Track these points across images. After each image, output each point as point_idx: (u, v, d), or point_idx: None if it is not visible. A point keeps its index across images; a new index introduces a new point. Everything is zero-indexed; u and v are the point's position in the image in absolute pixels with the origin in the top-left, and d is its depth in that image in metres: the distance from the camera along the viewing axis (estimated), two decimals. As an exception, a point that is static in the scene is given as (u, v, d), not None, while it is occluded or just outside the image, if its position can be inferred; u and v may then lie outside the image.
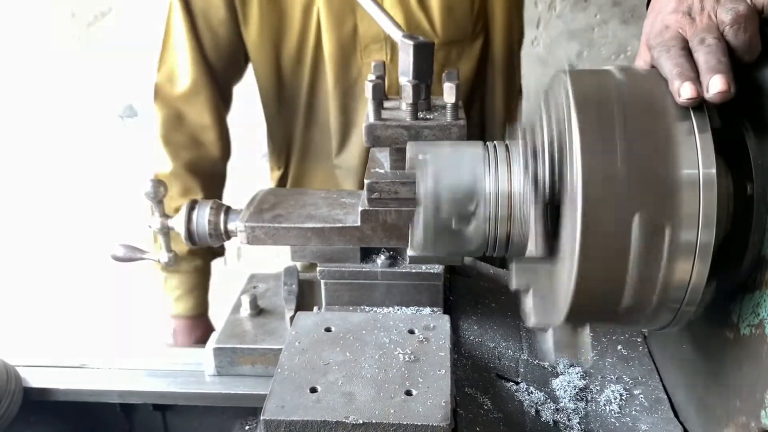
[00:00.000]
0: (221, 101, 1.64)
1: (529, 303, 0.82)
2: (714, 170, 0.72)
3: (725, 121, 0.85)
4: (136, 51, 2.46)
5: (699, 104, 0.75)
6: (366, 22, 1.47)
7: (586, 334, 0.79)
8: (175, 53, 1.56)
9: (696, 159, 0.73)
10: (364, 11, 1.39)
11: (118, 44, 2.47)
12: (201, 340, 1.67)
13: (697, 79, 0.75)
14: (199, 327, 1.73)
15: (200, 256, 1.69)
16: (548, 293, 0.82)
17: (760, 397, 0.77)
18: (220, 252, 1.75)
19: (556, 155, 0.87)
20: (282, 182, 1.78)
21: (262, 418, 0.78)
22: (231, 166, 2.02)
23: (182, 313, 1.69)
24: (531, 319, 0.80)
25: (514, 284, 0.82)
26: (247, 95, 1.71)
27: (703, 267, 0.74)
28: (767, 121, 0.77)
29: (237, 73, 1.68)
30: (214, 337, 1.18)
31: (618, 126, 0.74)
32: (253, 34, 1.54)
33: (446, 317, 0.99)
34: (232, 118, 1.64)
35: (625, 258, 0.72)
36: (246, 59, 1.64)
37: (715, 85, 0.74)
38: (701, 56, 0.77)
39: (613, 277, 0.74)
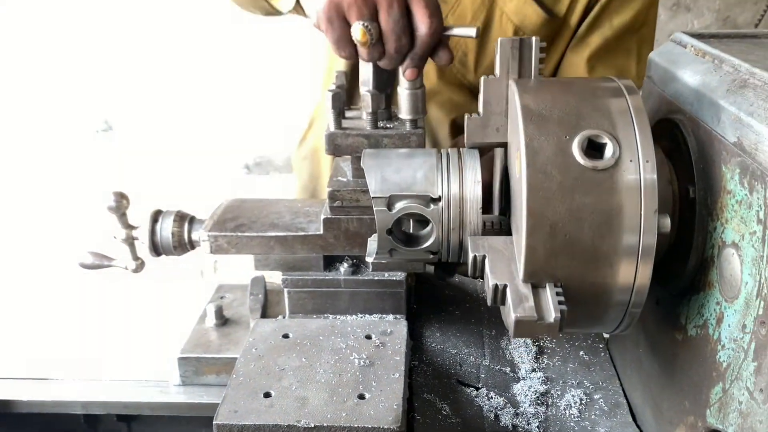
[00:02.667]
0: None
1: (487, 268, 0.81)
2: (655, 175, 0.74)
3: (668, 127, 0.88)
4: (113, 65, 2.47)
5: (640, 111, 0.77)
6: None
7: (549, 292, 0.76)
8: None
9: (638, 164, 0.74)
10: None
11: (95, 58, 2.48)
12: None
13: None
14: None
15: None
16: (505, 258, 0.83)
17: (706, 397, 0.79)
18: None
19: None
20: None
21: (214, 422, 0.79)
22: (211, 178, 2.02)
23: None
24: (490, 281, 0.78)
25: (471, 253, 0.82)
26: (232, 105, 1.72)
27: (647, 269, 0.75)
28: (705, 126, 0.79)
29: None
30: (179, 347, 1.18)
31: (567, 223, 0.75)
32: None
33: (404, 322, 1.00)
34: (218, 127, 1.60)
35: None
36: None
37: None
38: None
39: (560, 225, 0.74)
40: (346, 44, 0.96)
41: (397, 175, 0.88)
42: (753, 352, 0.68)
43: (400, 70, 1.00)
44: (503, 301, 0.78)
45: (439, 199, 0.86)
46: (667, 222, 0.76)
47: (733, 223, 0.73)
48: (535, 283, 0.76)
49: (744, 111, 0.71)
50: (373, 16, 0.93)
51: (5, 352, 2.40)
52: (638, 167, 0.73)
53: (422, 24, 0.94)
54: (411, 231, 0.96)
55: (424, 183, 0.87)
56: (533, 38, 0.84)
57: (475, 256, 0.81)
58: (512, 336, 0.77)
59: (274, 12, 1.20)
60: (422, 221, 0.95)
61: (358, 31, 0.93)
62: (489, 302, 0.79)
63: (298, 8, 1.09)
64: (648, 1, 1.38)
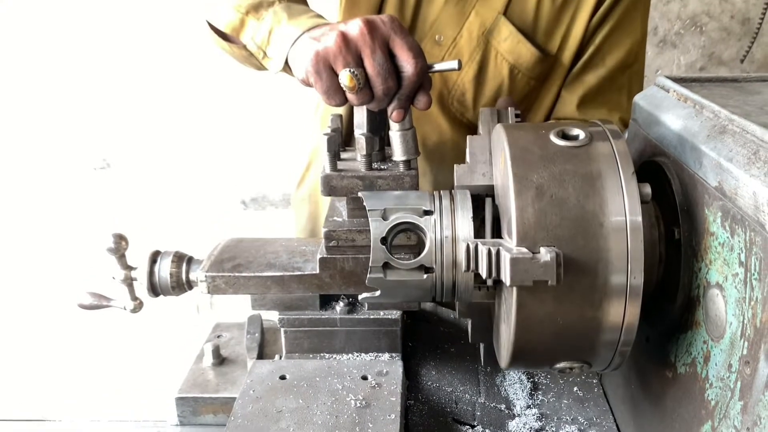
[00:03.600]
0: None
1: (480, 246, 0.80)
2: (640, 218, 0.76)
3: (653, 169, 0.90)
4: (111, 104, 2.51)
5: (625, 156, 0.80)
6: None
7: (543, 249, 0.76)
8: None
9: (623, 207, 0.77)
10: None
11: (94, 97, 2.51)
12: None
13: None
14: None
15: None
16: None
17: (696, 434, 0.80)
18: None
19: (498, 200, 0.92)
20: None
21: (212, 466, 0.79)
22: (212, 214, 2.02)
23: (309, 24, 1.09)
24: (482, 249, 0.79)
25: (462, 244, 0.84)
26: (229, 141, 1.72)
27: (635, 308, 0.77)
28: (688, 169, 0.82)
29: None
30: (176, 386, 1.19)
31: (550, 180, 0.78)
32: None
33: (399, 362, 1.01)
34: (215, 163, 1.59)
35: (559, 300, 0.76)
36: None
37: None
38: None
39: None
40: (335, 92, 1.01)
41: (392, 196, 0.93)
42: (739, 391, 0.69)
43: (388, 112, 1.04)
44: (498, 266, 0.76)
45: (431, 212, 0.89)
46: (648, 190, 0.81)
47: (717, 264, 0.75)
48: (529, 247, 0.76)
49: (724, 157, 0.74)
50: (359, 63, 0.98)
51: (1, 393, 2.38)
52: (610, 144, 0.81)
53: (408, 65, 0.99)
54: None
55: (417, 200, 0.90)
56: (510, 109, 0.98)
57: (468, 245, 0.82)
58: (508, 284, 0.74)
59: (264, 69, 1.25)
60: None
61: (345, 77, 0.98)
62: (484, 274, 0.78)
63: (287, 68, 1.14)
64: (639, 39, 1.44)
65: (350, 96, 1.01)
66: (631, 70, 1.45)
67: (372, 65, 0.98)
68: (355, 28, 0.98)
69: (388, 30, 0.99)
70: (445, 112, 1.44)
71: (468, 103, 1.43)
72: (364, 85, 0.99)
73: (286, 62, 1.12)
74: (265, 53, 1.18)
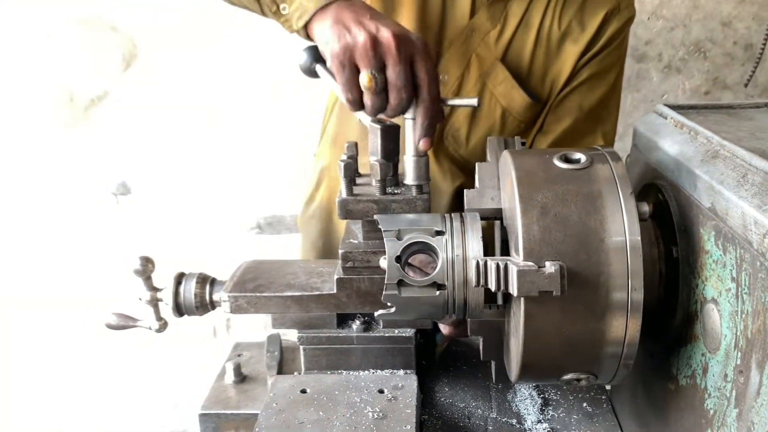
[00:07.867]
0: None
1: (489, 261, 0.85)
2: (638, 232, 0.81)
3: (653, 191, 0.96)
4: (130, 131, 2.60)
5: (623, 177, 0.85)
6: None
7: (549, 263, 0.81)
8: None
9: (623, 223, 0.82)
10: None
11: (113, 124, 2.60)
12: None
13: None
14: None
15: None
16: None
17: (697, 444, 0.84)
18: None
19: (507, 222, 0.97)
20: None
21: (239, 474, 0.84)
22: (229, 238, 2.05)
23: None
24: (491, 264, 0.84)
25: (472, 261, 0.89)
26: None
27: (636, 320, 0.82)
28: (684, 191, 0.87)
29: None
30: (199, 404, 1.24)
31: (554, 199, 0.84)
32: None
33: (414, 377, 1.05)
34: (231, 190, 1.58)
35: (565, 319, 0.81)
36: None
37: None
38: None
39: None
40: (353, 87, 1.05)
41: (406, 218, 0.99)
42: (734, 399, 0.74)
43: (413, 141, 1.10)
44: (506, 279, 0.81)
45: (443, 232, 0.94)
46: (646, 208, 0.86)
47: (712, 280, 0.80)
48: (535, 261, 0.81)
49: (716, 180, 0.79)
50: (381, 68, 1.03)
51: (28, 413, 2.43)
52: (610, 167, 0.85)
53: (424, 88, 1.03)
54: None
55: (430, 221, 0.96)
56: (516, 138, 1.05)
57: (477, 261, 0.86)
58: (515, 294, 0.80)
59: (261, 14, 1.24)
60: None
61: (365, 77, 1.02)
62: (493, 287, 0.83)
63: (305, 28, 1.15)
64: (612, 86, 1.48)
65: (366, 96, 1.05)
66: (600, 116, 1.49)
67: (393, 74, 1.02)
68: (387, 35, 1.02)
69: (417, 49, 1.03)
70: (440, 146, 1.51)
71: (461, 139, 1.49)
72: (381, 90, 1.03)
73: (307, 23, 1.13)
74: (278, 6, 1.17)
